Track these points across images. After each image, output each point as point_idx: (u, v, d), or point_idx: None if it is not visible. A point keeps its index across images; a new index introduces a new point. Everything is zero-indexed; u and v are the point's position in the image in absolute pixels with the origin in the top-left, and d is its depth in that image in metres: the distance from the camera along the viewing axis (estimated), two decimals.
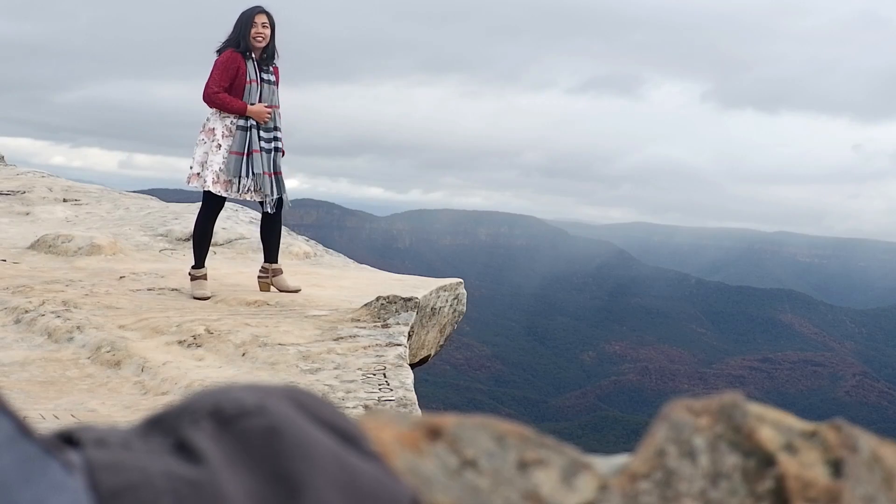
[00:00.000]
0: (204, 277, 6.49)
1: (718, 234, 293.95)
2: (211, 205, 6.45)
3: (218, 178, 6.27)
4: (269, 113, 6.31)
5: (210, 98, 6.27)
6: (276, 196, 6.42)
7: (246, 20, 6.31)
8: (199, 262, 6.51)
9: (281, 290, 6.47)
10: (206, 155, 6.30)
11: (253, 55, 6.34)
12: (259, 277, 6.61)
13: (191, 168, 6.37)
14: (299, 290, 6.48)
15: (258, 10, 6.34)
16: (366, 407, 4.29)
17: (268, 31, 6.33)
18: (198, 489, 0.53)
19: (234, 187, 6.29)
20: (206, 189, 6.31)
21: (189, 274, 6.57)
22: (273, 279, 6.54)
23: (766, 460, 0.73)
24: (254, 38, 6.28)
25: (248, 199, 6.43)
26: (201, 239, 6.51)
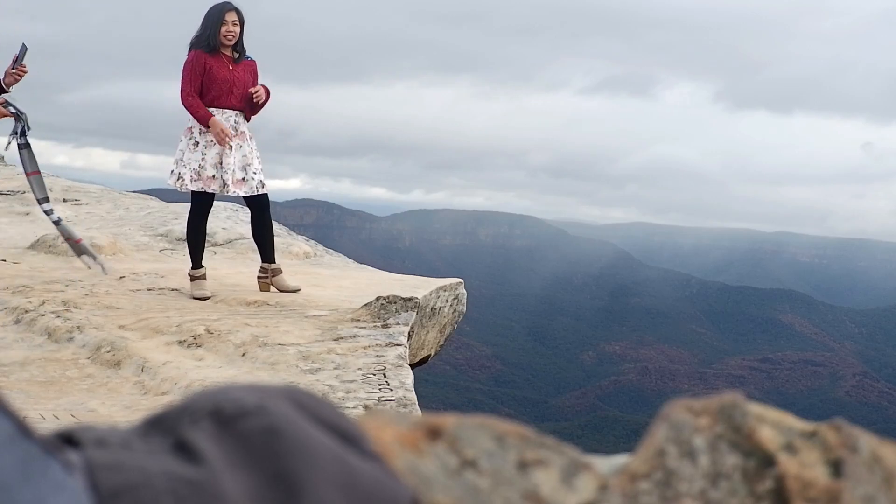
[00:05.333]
0: (203, 277, 6.49)
1: (719, 235, 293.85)
2: (198, 204, 6.45)
3: (199, 175, 6.26)
4: (230, 138, 6.22)
5: (183, 102, 6.28)
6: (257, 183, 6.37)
7: (216, 18, 6.28)
8: (197, 262, 6.51)
9: (281, 290, 6.47)
10: (182, 153, 6.32)
11: (223, 51, 6.31)
12: (259, 278, 6.61)
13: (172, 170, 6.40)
14: (299, 290, 6.47)
15: (228, 6, 6.30)
16: (366, 407, 4.29)
17: (237, 29, 6.31)
18: (198, 489, 0.53)
19: (217, 183, 6.28)
20: (185, 189, 6.33)
21: (188, 275, 6.57)
22: (273, 279, 6.53)
23: (766, 460, 0.74)
24: (224, 36, 6.26)
25: (233, 194, 6.38)
26: (195, 239, 6.51)
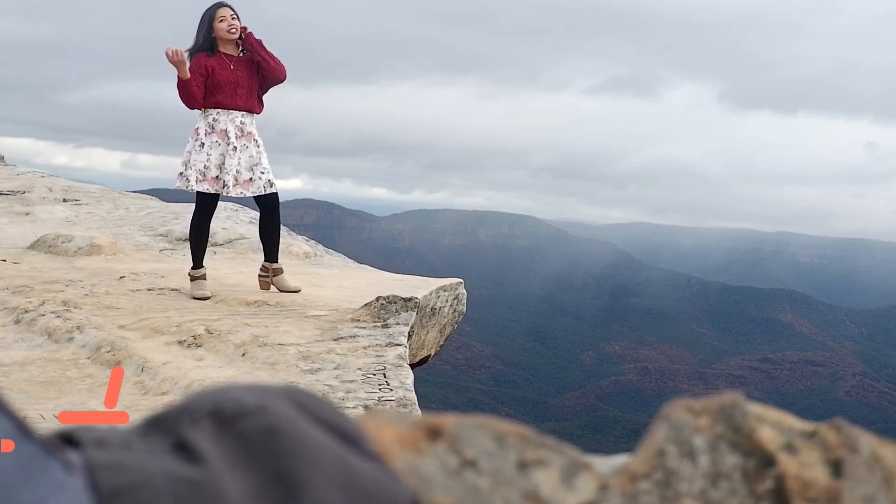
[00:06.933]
0: (203, 278, 6.49)
1: (720, 235, 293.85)
2: (203, 204, 6.45)
3: (204, 175, 6.26)
4: (176, 53, 6.12)
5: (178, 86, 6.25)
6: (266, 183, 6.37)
7: (209, 18, 6.27)
8: (198, 262, 6.51)
9: (281, 290, 6.47)
10: (189, 154, 6.32)
11: (223, 50, 6.30)
12: (259, 277, 6.61)
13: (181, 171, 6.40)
14: (299, 291, 6.48)
15: (218, 5, 6.29)
16: (366, 407, 4.29)
17: (238, 23, 6.29)
18: (198, 489, 0.53)
19: (221, 183, 6.28)
20: (192, 189, 6.32)
21: (188, 275, 6.57)
22: (273, 279, 6.54)
23: (766, 460, 0.74)
24: (228, 31, 6.26)
25: (239, 195, 6.38)
26: (197, 239, 6.51)
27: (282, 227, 6.76)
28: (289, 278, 6.60)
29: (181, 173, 6.36)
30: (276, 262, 6.58)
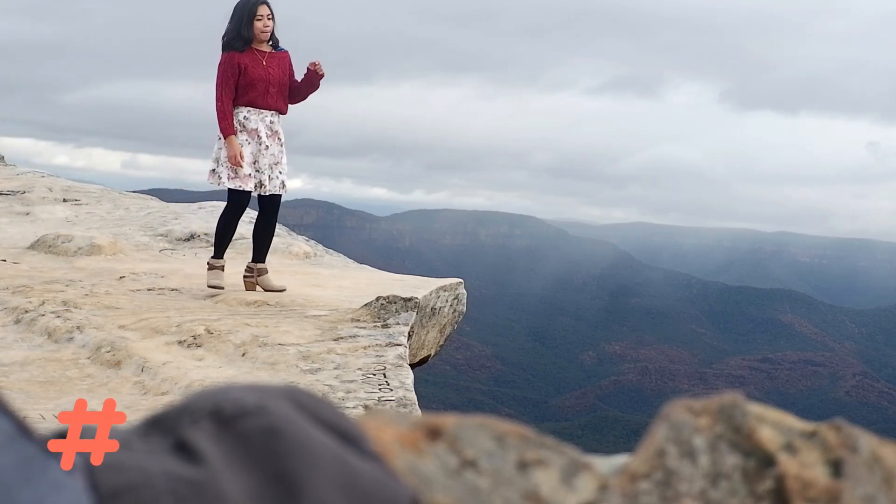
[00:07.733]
0: (221, 269, 6.51)
1: (720, 235, 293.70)
2: (234, 202, 6.45)
3: (236, 173, 6.26)
4: (240, 161, 6.19)
5: (216, 106, 6.26)
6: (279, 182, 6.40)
7: (249, 13, 6.22)
8: (219, 253, 6.53)
9: (266, 290, 6.45)
10: (219, 151, 6.31)
11: (255, 46, 6.28)
12: (245, 277, 6.59)
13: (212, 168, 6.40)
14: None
15: (260, 0, 6.26)
16: (366, 407, 4.29)
17: (272, 23, 6.28)
18: (197, 489, 0.53)
19: (253, 181, 6.29)
20: (224, 186, 6.33)
21: (207, 263, 6.58)
22: (258, 279, 6.53)
23: (766, 460, 0.74)
24: (261, 31, 6.22)
25: (269, 193, 6.41)
26: (224, 234, 6.52)
27: (282, 227, 6.78)
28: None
29: (213, 170, 6.36)
30: (263, 262, 6.58)
